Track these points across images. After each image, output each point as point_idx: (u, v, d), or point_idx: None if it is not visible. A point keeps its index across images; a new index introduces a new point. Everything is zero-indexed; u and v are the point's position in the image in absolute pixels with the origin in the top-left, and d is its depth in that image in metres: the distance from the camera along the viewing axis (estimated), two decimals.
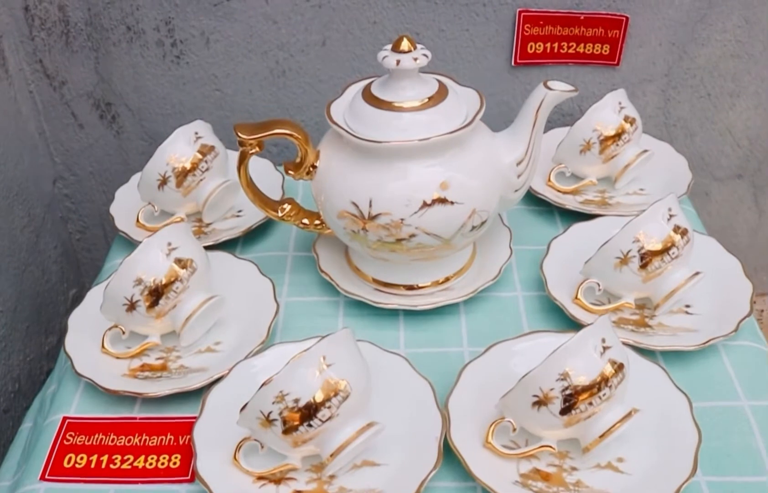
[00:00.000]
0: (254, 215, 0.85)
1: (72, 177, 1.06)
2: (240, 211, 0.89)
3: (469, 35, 0.93)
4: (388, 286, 0.75)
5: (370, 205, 0.67)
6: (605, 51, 0.93)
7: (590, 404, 0.55)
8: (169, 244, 0.69)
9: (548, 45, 0.93)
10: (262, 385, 0.55)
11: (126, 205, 0.89)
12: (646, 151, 0.85)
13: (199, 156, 0.84)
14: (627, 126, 0.84)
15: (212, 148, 0.85)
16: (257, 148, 0.70)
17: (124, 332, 0.71)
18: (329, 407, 0.54)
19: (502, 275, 0.75)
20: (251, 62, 0.95)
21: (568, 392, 0.55)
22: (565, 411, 0.55)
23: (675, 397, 0.62)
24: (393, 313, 0.74)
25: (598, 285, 0.71)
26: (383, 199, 0.67)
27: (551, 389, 0.55)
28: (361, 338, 0.71)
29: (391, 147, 0.66)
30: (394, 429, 0.59)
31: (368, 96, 0.69)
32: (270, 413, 0.54)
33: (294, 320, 0.75)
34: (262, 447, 0.58)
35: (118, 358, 0.71)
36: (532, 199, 0.88)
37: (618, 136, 0.84)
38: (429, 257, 0.71)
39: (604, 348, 0.56)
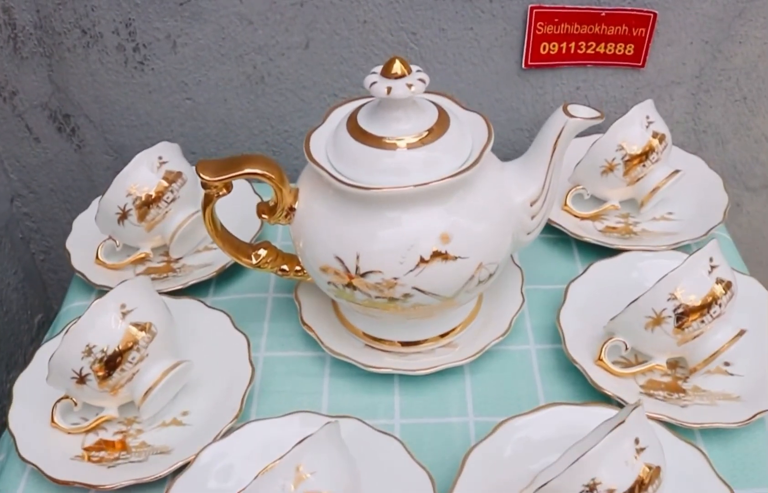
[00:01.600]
0: None
1: (31, 194, 0.95)
2: (214, 243, 0.78)
3: (473, 34, 0.81)
4: (382, 342, 0.65)
5: (358, 260, 0.57)
6: (629, 51, 0.81)
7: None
8: (123, 306, 0.59)
9: (564, 45, 0.81)
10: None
11: (86, 237, 0.79)
12: (677, 171, 0.74)
13: (165, 184, 0.73)
14: (656, 143, 0.73)
15: (179, 174, 0.74)
16: (224, 191, 0.60)
17: (76, 404, 0.61)
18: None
19: (512, 327, 0.65)
20: (225, 68, 0.84)
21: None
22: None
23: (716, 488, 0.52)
24: (387, 375, 0.64)
25: (625, 345, 0.61)
26: (373, 254, 0.56)
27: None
28: (349, 402, 0.62)
29: (381, 195, 0.55)
30: None
31: (354, 128, 0.58)
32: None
33: (273, 380, 0.65)
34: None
35: (69, 433, 0.61)
36: (546, 227, 0.77)
37: (645, 155, 0.73)
38: (427, 315, 0.61)
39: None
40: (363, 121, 0.59)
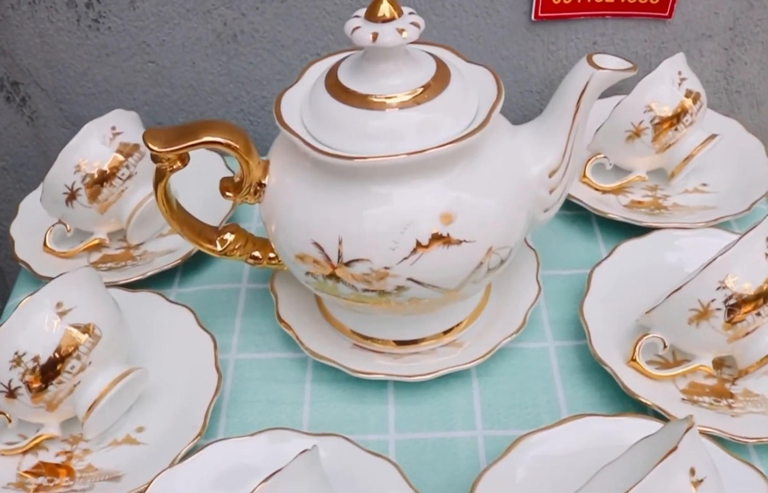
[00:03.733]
0: None
1: None
2: None
3: None
4: (373, 341, 0.55)
5: (340, 247, 0.46)
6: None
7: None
8: (60, 304, 0.49)
9: None
10: None
11: (34, 221, 0.68)
12: (713, 136, 0.64)
13: (119, 158, 0.63)
14: (689, 104, 0.63)
15: (136, 147, 0.64)
16: (179, 164, 0.49)
17: (10, 421, 0.51)
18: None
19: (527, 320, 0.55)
20: (191, 25, 0.73)
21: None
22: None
23: None
24: (380, 381, 0.54)
25: (663, 342, 0.51)
26: (359, 238, 0.46)
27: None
28: (335, 413, 0.53)
29: (368, 165, 0.45)
30: None
31: (334, 85, 0.48)
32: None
33: (246, 387, 0.55)
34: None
35: (2, 455, 0.52)
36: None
37: (677, 117, 0.63)
38: (427, 309, 0.51)
39: None
40: (345, 77, 0.48)
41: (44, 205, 0.65)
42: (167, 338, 0.57)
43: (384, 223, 0.46)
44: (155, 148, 0.48)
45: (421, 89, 0.47)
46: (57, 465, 0.51)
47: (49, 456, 0.52)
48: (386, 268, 0.46)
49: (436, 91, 0.47)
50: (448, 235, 0.46)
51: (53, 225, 0.66)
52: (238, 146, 0.49)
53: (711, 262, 0.48)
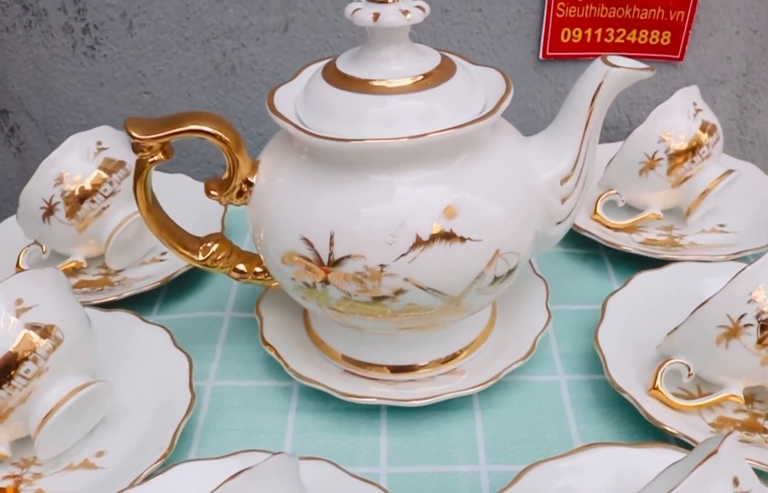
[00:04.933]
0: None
1: None
2: (164, 253, 0.64)
3: (482, 17, 0.69)
4: (365, 366, 0.50)
5: (332, 243, 0.42)
6: (665, 40, 0.69)
7: None
8: (20, 301, 0.44)
9: (589, 32, 0.69)
10: None
11: (9, 243, 0.64)
12: (730, 171, 0.61)
13: (103, 175, 0.59)
14: (705, 137, 0.60)
15: (122, 164, 0.60)
16: (161, 155, 0.46)
17: None
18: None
19: (536, 350, 0.50)
20: (189, 54, 0.71)
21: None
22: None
23: None
24: (372, 408, 0.49)
25: (688, 369, 0.46)
26: (352, 232, 0.42)
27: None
28: (320, 444, 0.47)
29: (365, 149, 0.41)
30: None
31: (332, 74, 0.45)
32: None
33: (223, 414, 0.49)
34: None
35: None
36: (573, 238, 0.63)
37: (693, 150, 0.60)
38: (426, 325, 0.46)
39: None
40: (343, 65, 0.45)
41: (20, 223, 0.61)
42: (139, 357, 0.51)
43: (381, 216, 0.41)
44: (136, 136, 0.45)
45: (423, 76, 0.44)
46: (1, 489, 0.45)
47: None
48: (382, 266, 0.41)
49: (440, 80, 0.44)
50: (451, 230, 0.41)
51: (28, 246, 0.62)
52: (227, 139, 0.45)
53: (738, 273, 0.43)
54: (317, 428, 0.48)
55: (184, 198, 0.65)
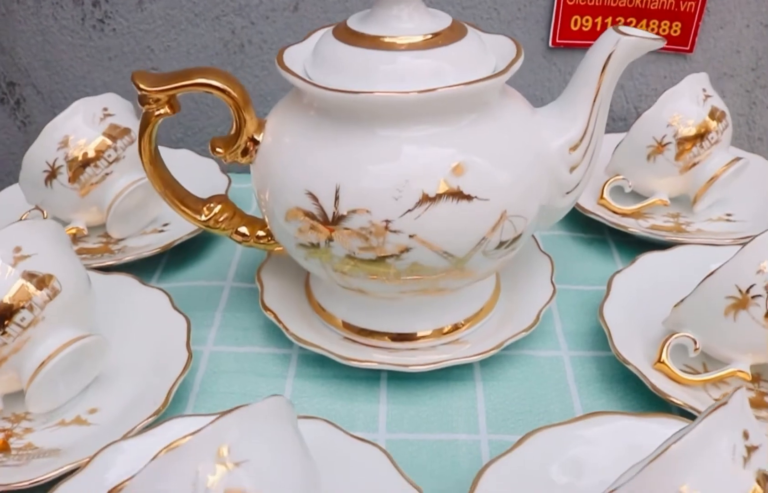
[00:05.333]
0: (183, 224, 0.59)
1: None
2: (166, 224, 0.63)
3: (492, 2, 0.69)
4: (365, 334, 0.49)
5: (337, 196, 0.41)
6: (675, 31, 0.69)
7: None
8: (18, 249, 0.43)
9: (599, 20, 0.68)
10: None
11: (10, 208, 0.64)
12: (738, 159, 0.60)
13: (107, 142, 0.59)
14: (713, 123, 0.60)
15: (126, 131, 0.60)
16: (167, 109, 0.45)
17: None
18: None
19: (540, 323, 0.49)
20: (198, 31, 0.71)
21: None
22: None
23: None
24: (371, 374, 0.48)
25: (695, 343, 0.45)
26: (358, 186, 0.41)
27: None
28: (318, 410, 0.46)
29: (373, 102, 0.41)
30: None
31: (343, 31, 0.45)
32: None
33: (219, 378, 0.49)
34: None
35: None
36: (578, 222, 0.62)
37: (701, 136, 0.59)
38: (429, 289, 0.45)
39: None
40: (354, 24, 0.45)
41: (22, 187, 0.60)
42: (137, 318, 0.51)
43: (388, 169, 0.41)
44: (144, 87, 0.44)
45: (433, 35, 0.43)
46: None
47: None
48: (387, 221, 0.41)
49: (451, 40, 0.43)
50: (458, 188, 0.41)
51: (29, 211, 0.61)
52: (234, 94, 0.45)
53: (747, 243, 0.42)
54: (315, 394, 0.47)
55: (188, 173, 0.64)
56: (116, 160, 0.59)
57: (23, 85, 0.75)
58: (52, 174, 0.58)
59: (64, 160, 0.58)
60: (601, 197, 0.62)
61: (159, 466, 0.29)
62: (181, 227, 0.60)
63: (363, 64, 0.42)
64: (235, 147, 0.46)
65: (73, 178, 0.58)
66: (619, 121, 0.74)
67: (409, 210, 0.41)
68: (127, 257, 0.57)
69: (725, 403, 0.31)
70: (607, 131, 0.66)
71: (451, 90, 0.40)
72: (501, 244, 0.44)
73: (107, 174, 0.59)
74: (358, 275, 0.44)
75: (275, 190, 0.45)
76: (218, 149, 0.47)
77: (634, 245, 0.59)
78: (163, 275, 0.59)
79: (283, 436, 0.32)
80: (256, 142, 0.46)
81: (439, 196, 0.41)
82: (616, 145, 0.62)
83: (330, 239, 0.43)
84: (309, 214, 0.43)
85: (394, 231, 0.41)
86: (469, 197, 0.41)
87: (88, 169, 0.58)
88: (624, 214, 0.62)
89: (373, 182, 0.41)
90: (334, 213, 0.42)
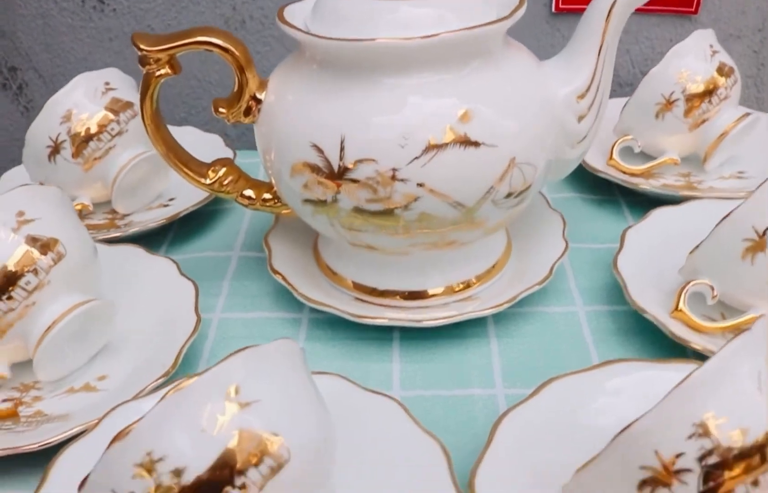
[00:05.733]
0: (189, 197, 0.59)
1: None
2: (172, 199, 0.63)
3: None
4: (376, 293, 0.48)
5: (343, 147, 0.41)
6: None
7: None
8: (22, 213, 0.43)
9: None
10: None
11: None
12: (748, 114, 0.59)
13: (110, 116, 0.58)
14: (722, 79, 0.59)
15: (129, 105, 0.59)
16: (168, 69, 0.45)
17: None
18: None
19: (553, 279, 0.48)
20: (199, 9, 0.71)
21: None
22: None
23: None
24: (383, 334, 0.47)
25: (712, 290, 0.44)
26: (365, 136, 0.41)
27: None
28: (330, 368, 0.45)
29: (376, 50, 0.40)
30: None
31: None
32: None
33: (228, 345, 0.48)
34: None
35: None
36: (589, 182, 0.62)
37: (709, 92, 0.58)
38: (439, 242, 0.44)
39: None
40: None
41: (25, 164, 0.60)
42: (145, 285, 0.50)
43: (393, 118, 0.40)
44: (144, 47, 0.44)
45: None
46: (2, 411, 0.44)
47: None
48: (394, 170, 0.40)
49: None
50: (465, 134, 0.40)
51: None
52: (236, 52, 0.44)
53: (764, 182, 0.42)
54: (327, 356, 0.47)
55: (193, 148, 0.63)
56: (119, 133, 0.58)
57: (25, 70, 0.75)
58: (55, 149, 0.58)
59: (67, 134, 0.57)
60: (611, 158, 0.61)
61: (167, 406, 0.28)
62: (187, 199, 0.59)
63: (365, 14, 0.42)
64: (237, 106, 0.46)
65: (76, 153, 0.58)
66: (626, 86, 0.73)
67: (416, 157, 0.40)
68: (133, 229, 0.56)
69: (748, 328, 0.30)
70: (614, 96, 0.66)
71: (453, 35, 0.40)
72: (510, 193, 0.43)
73: (110, 148, 0.58)
74: (366, 229, 0.43)
75: (280, 147, 0.44)
76: (221, 109, 0.46)
77: (645, 204, 0.58)
78: (171, 247, 0.58)
79: (294, 379, 0.32)
80: (258, 101, 0.46)
81: (446, 143, 0.40)
82: (624, 104, 0.61)
83: (337, 193, 0.42)
84: (315, 168, 0.42)
85: (402, 180, 0.40)
86: (476, 144, 0.40)
87: (92, 144, 0.58)
88: (634, 174, 0.61)
89: (378, 132, 0.40)
90: (340, 165, 0.41)
